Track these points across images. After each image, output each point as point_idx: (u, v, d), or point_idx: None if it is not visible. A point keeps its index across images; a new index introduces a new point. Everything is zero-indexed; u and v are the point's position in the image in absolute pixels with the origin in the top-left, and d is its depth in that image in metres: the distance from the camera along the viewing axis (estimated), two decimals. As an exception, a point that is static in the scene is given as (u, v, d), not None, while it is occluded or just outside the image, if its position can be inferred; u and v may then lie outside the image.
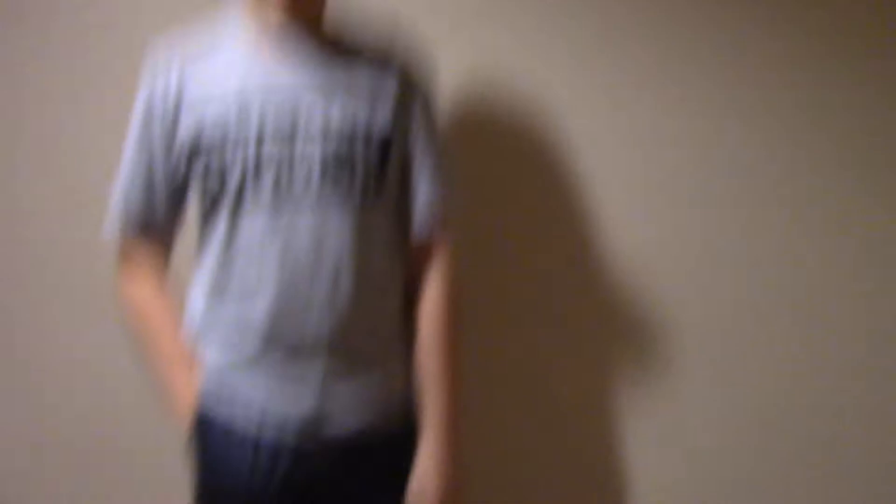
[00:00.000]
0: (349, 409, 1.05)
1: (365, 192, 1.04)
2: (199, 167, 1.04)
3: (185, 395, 1.06)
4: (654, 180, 1.36)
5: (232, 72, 1.04)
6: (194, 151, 1.04)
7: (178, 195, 1.09)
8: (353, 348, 1.05)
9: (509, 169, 1.37)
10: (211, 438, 1.05)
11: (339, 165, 1.02)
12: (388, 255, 1.09)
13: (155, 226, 1.10)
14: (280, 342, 1.02)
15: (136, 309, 1.12)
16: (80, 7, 1.32)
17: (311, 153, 1.02)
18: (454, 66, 1.29)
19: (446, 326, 1.11)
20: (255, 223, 1.02)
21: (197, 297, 1.08)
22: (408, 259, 1.12)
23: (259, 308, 1.02)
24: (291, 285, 1.02)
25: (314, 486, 1.05)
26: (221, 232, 1.04)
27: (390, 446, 1.08)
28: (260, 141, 1.01)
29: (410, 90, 1.10)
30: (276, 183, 1.01)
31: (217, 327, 1.06)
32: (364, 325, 1.05)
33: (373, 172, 1.05)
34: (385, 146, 1.06)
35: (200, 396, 1.05)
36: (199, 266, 1.09)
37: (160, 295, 1.10)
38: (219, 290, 1.05)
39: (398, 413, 1.09)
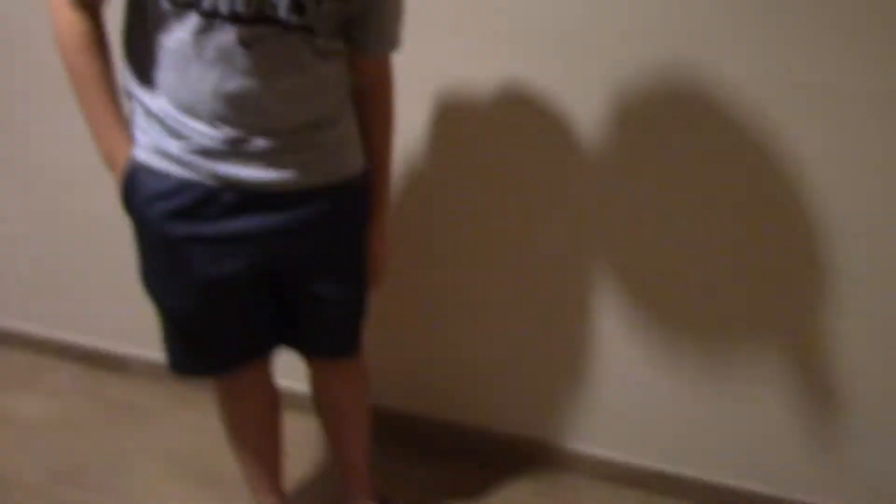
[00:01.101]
0: (297, 168, 1.11)
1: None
2: None
3: (118, 144, 1.09)
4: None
5: None
6: None
7: None
8: (302, 124, 1.10)
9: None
10: (150, 182, 1.08)
11: None
12: (334, 68, 1.12)
13: None
14: (227, 123, 1.05)
15: (72, 42, 1.06)
16: None
17: None
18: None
19: (390, 122, 1.28)
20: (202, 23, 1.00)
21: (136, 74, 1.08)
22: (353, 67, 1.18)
23: (205, 95, 1.03)
24: (237, 84, 1.02)
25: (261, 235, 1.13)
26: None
27: (337, 195, 1.18)
28: None
29: None
30: None
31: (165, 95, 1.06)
32: (314, 109, 1.10)
33: None
34: None
35: (138, 148, 1.09)
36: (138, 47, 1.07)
37: (97, 34, 1.06)
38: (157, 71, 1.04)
39: (346, 169, 1.19)
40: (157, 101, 1.06)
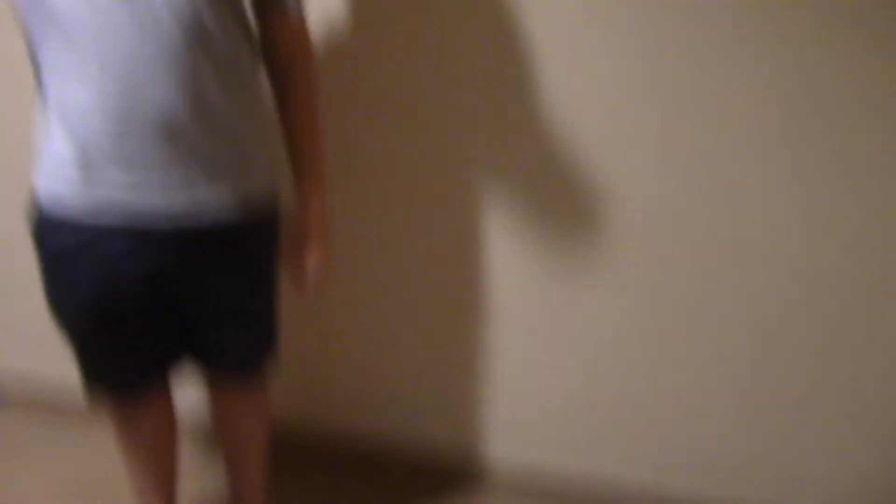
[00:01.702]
0: (205, 200, 1.05)
1: None
2: None
3: None
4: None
5: None
6: None
7: None
8: (206, 130, 1.02)
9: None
10: (54, 232, 1.06)
11: None
12: (239, 33, 1.06)
13: None
14: (122, 122, 0.98)
15: None
16: None
17: None
18: None
19: (314, 98, 1.18)
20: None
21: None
22: (265, 37, 1.13)
23: (91, 88, 0.96)
24: (125, 60, 0.95)
25: (165, 271, 1.09)
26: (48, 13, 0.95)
27: (250, 232, 1.14)
28: None
29: None
30: None
31: (56, 112, 1.00)
32: (217, 103, 1.02)
33: None
34: None
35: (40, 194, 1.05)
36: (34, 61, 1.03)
37: None
38: (53, 71, 0.99)
39: (261, 201, 1.13)
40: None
